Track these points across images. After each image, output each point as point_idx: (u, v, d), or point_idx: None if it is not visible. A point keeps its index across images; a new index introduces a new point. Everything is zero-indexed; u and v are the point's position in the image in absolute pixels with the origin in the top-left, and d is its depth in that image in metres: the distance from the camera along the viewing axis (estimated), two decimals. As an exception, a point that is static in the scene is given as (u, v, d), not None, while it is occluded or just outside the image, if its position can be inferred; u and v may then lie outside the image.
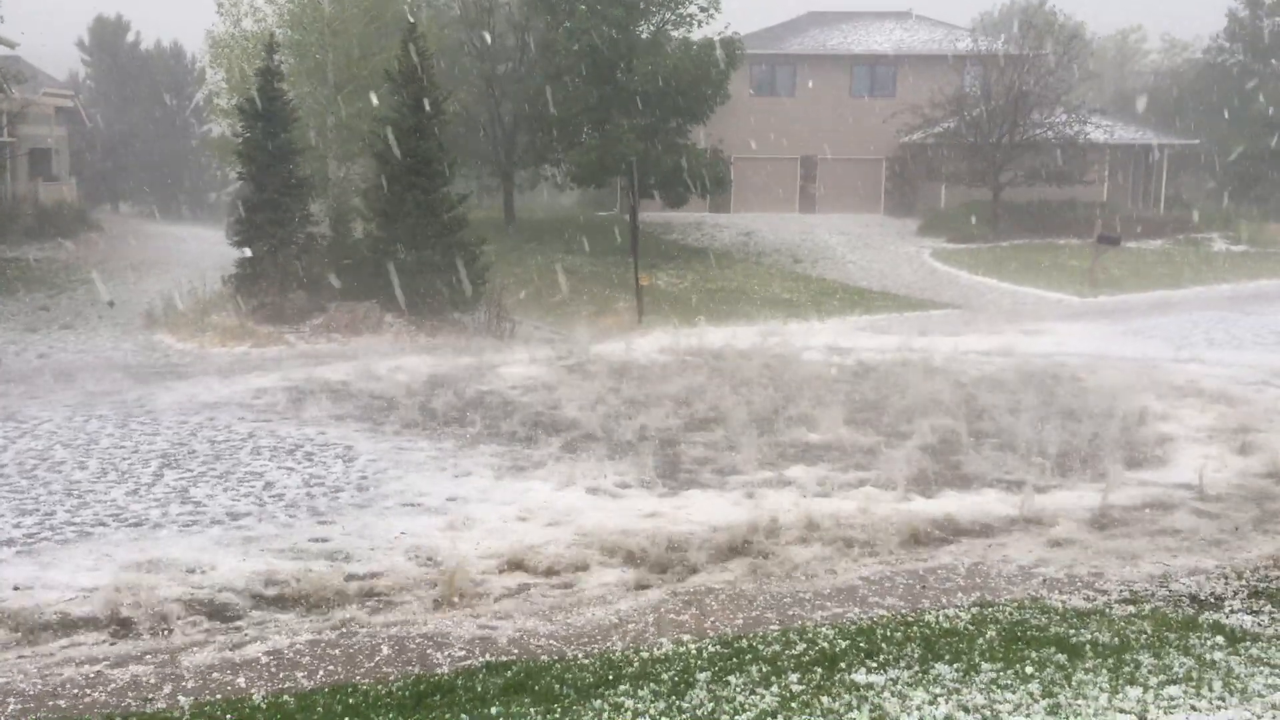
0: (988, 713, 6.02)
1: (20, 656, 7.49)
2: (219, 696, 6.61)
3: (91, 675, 6.98)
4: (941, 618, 7.74)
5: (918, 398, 16.63)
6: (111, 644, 7.73)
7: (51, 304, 26.82)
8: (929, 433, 14.42)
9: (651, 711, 6.21)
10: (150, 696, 6.63)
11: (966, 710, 6.08)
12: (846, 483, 12.09)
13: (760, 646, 7.22)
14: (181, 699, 6.58)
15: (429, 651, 7.30)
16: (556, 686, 6.59)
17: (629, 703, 6.34)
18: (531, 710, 6.25)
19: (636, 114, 34.68)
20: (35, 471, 12.75)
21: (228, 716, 6.26)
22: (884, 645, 7.18)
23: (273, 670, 7.04)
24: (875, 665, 6.83)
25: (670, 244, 38.26)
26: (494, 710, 6.26)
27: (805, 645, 7.21)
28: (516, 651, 7.26)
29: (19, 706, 6.53)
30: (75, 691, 6.72)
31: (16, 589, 8.72)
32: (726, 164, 37.34)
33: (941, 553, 9.71)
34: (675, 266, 34.48)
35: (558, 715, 6.19)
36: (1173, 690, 6.23)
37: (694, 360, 20.53)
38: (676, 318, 26.55)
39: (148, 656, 7.36)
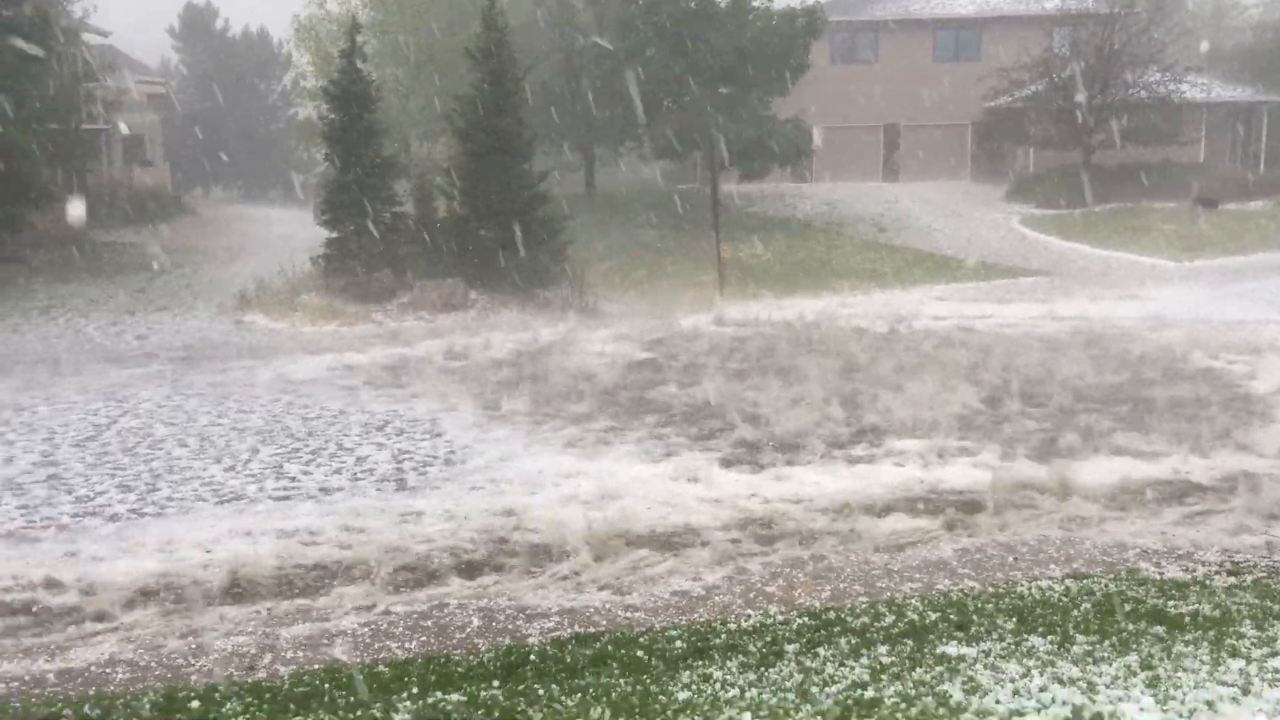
0: (1084, 685, 5.91)
1: (119, 627, 7.75)
2: (317, 666, 6.77)
3: (194, 646, 7.19)
4: (1034, 589, 7.62)
5: (1014, 365, 16.34)
6: (213, 615, 7.96)
7: (148, 287, 27.57)
8: (1037, 400, 14.16)
9: (740, 683, 6.22)
10: (252, 666, 6.82)
11: (1062, 683, 5.97)
12: (957, 451, 11.97)
13: (848, 618, 7.18)
14: (281, 669, 6.76)
15: (519, 623, 7.39)
16: (645, 657, 6.62)
17: (717, 674, 6.35)
18: (620, 680, 6.30)
19: (717, 86, 34.42)
20: (137, 449, 13.15)
21: (326, 685, 6.41)
22: (975, 617, 7.08)
23: (367, 640, 7.18)
24: (966, 638, 6.75)
25: (752, 216, 37.99)
26: (584, 680, 6.32)
27: (894, 617, 7.15)
28: (604, 623, 7.32)
29: (127, 675, 6.76)
30: (180, 662, 6.94)
31: (124, 552, 9.03)
32: (807, 134, 36.90)
33: (1035, 523, 9.54)
34: (757, 238, 34.26)
35: (647, 685, 6.23)
36: (1277, 663, 6.06)
37: (779, 332, 20.41)
38: (759, 290, 26.43)
39: (249, 627, 7.56)
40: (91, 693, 6.47)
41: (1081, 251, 32.23)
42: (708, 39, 34.32)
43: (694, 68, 34.65)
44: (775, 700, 5.99)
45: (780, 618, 7.26)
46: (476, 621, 7.42)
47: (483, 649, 6.93)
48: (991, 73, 41.07)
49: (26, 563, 8.99)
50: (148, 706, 6.19)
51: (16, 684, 6.66)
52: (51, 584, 8.44)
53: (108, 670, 6.82)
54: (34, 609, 8.07)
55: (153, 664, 6.92)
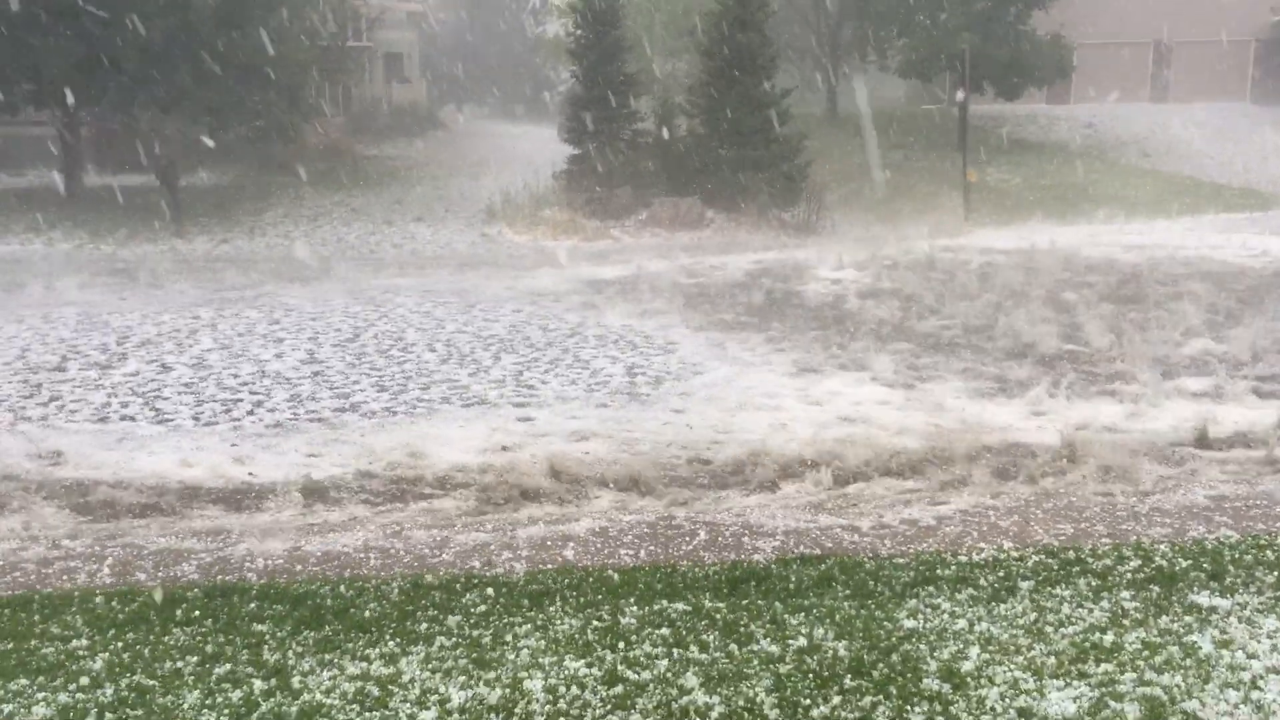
0: (1353, 650, 5.47)
1: (377, 513, 8.29)
2: (549, 566, 7.04)
3: (441, 540, 7.61)
4: (1301, 544, 7.06)
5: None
6: (457, 512, 8.39)
7: (405, 198, 28.95)
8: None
9: (970, 616, 6.07)
10: (491, 561, 7.16)
11: (1327, 644, 5.54)
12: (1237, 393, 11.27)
13: (1089, 559, 6.86)
14: (516, 566, 7.06)
15: (745, 539, 7.44)
16: (871, 583, 6.55)
17: (945, 604, 6.22)
18: (845, 604, 6.26)
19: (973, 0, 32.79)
20: (390, 352, 13.92)
21: (557, 582, 6.67)
22: (1231, 568, 6.64)
23: (598, 546, 7.40)
24: (1220, 588, 6.34)
25: (1002, 138, 36.23)
26: (808, 601, 6.32)
27: (1140, 561, 6.79)
28: (831, 545, 7.27)
29: (379, 561, 7.23)
30: (425, 553, 7.36)
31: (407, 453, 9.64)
32: (1069, 51, 34.72)
33: (1303, 475, 8.82)
34: (1007, 162, 32.69)
35: (872, 610, 6.17)
36: None
37: (1030, 262, 19.49)
38: (1006, 216, 25.29)
39: (489, 525, 7.93)
40: (346, 574, 6.96)
41: (1378, 182, 29.22)
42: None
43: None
44: (1006, 636, 5.82)
45: (1015, 554, 7.01)
46: (703, 534, 7.52)
47: (709, 562, 7.02)
48: (1284, -18, 37.41)
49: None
50: (396, 591, 6.61)
51: (282, 562, 7.23)
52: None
53: (362, 555, 7.31)
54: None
55: (400, 552, 7.37)
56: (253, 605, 6.46)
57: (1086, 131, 37.44)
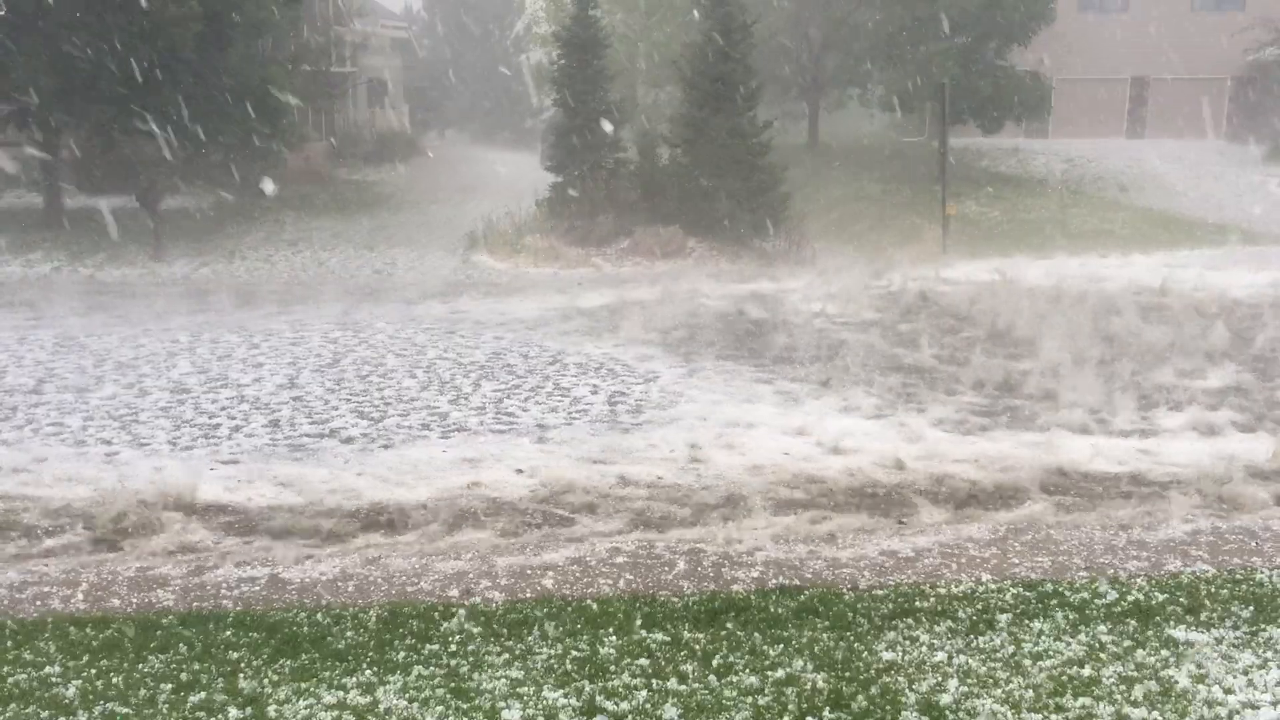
0: (1328, 685, 5.51)
1: (350, 548, 8.24)
2: (529, 595, 7.02)
3: (419, 566, 7.57)
4: (1276, 577, 7.11)
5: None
6: (431, 540, 8.36)
7: (386, 224, 28.94)
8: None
9: (948, 648, 6.08)
10: (469, 589, 7.13)
11: (1302, 679, 5.58)
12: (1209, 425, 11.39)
13: (1067, 592, 6.89)
14: (495, 594, 7.04)
15: (724, 569, 7.44)
16: (850, 615, 6.56)
17: (924, 636, 6.24)
18: (824, 636, 6.27)
19: (953, 35, 33.14)
20: (370, 377, 13.88)
21: (537, 612, 6.64)
22: (1207, 602, 6.68)
23: (576, 575, 7.38)
24: (1196, 623, 6.38)
25: (981, 171, 36.54)
26: (787, 632, 6.32)
27: (1117, 595, 6.82)
28: (810, 576, 7.28)
29: (354, 586, 7.19)
30: (403, 580, 7.32)
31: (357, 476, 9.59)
32: (1047, 87, 35.11)
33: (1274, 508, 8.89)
34: (986, 195, 32.95)
35: (851, 642, 6.17)
36: None
37: (1008, 294, 19.63)
38: (985, 249, 25.48)
39: (465, 555, 7.90)
40: (323, 603, 6.91)
41: (1350, 219, 29.57)
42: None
43: (930, 15, 33.43)
44: (984, 669, 5.84)
45: (993, 586, 7.04)
46: (682, 564, 7.51)
47: (688, 592, 7.01)
48: (1256, 23, 37.97)
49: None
50: (374, 619, 6.58)
51: (259, 589, 7.18)
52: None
53: (339, 583, 7.27)
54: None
55: (377, 579, 7.33)
56: (229, 633, 6.41)
57: (1065, 166, 37.81)
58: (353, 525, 8.65)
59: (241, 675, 5.86)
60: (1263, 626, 6.31)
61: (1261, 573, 7.24)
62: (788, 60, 38.00)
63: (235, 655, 6.10)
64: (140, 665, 6.00)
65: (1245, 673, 5.73)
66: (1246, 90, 41.58)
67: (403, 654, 6.11)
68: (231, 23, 24.40)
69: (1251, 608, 6.60)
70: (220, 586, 7.20)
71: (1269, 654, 5.93)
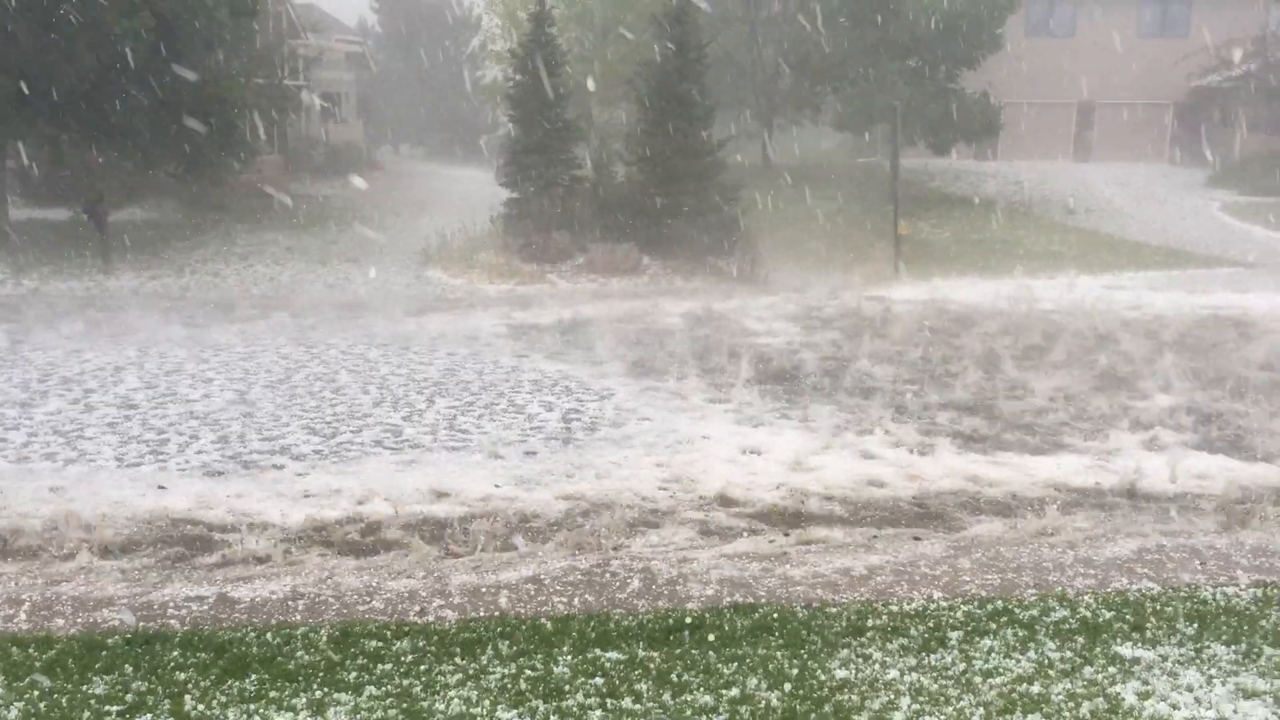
0: (1270, 700, 5.61)
1: (294, 564, 8.15)
2: (482, 614, 6.97)
3: (372, 586, 7.50)
4: (1219, 595, 7.24)
5: (1205, 358, 15.54)
6: (387, 558, 8.29)
7: (339, 238, 28.73)
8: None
9: (900, 666, 6.12)
10: (421, 608, 7.07)
11: (1245, 694, 5.68)
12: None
13: (1016, 610, 6.97)
14: (449, 613, 6.99)
15: (678, 587, 7.44)
16: (804, 633, 6.59)
17: (877, 654, 6.28)
18: (778, 654, 6.28)
19: (905, 58, 33.57)
20: (322, 394, 13.76)
21: (491, 633, 6.60)
22: (1153, 619, 6.78)
23: (531, 593, 7.35)
24: (1143, 640, 6.47)
25: (932, 192, 37.00)
26: (741, 650, 6.33)
27: (1065, 613, 6.91)
28: (764, 594, 7.30)
29: (305, 605, 7.11)
30: (354, 599, 7.25)
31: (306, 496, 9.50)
32: (996, 110, 35.67)
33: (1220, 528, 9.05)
34: (937, 216, 33.36)
35: (805, 660, 6.20)
36: None
37: (958, 313, 19.87)
38: (935, 268, 25.77)
39: (419, 573, 7.84)
40: (273, 623, 6.83)
41: (1290, 243, 30.24)
42: (898, 8, 33.46)
43: (883, 38, 33.85)
44: (936, 687, 5.88)
45: (945, 604, 7.10)
46: (637, 583, 7.50)
47: (643, 610, 7.01)
48: (1199, 50, 38.84)
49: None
50: (324, 640, 6.50)
51: (208, 609, 7.08)
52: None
53: (290, 602, 7.19)
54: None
55: (328, 598, 7.25)
56: (176, 653, 6.31)
57: (1014, 188, 38.37)
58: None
59: (189, 696, 5.77)
60: (1207, 643, 6.41)
61: (1205, 590, 7.36)
62: (743, 80, 38.29)
63: (182, 676, 6.01)
64: (85, 687, 5.90)
65: (1190, 689, 5.82)
66: (1190, 115, 42.48)
67: (354, 674, 6.04)
68: (183, 35, 24.15)
69: (1196, 625, 6.70)
70: (167, 606, 7.09)
71: (1213, 670, 6.03)
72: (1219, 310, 20.34)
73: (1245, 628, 6.65)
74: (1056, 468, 10.81)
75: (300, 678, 5.99)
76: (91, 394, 13.63)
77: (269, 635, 6.57)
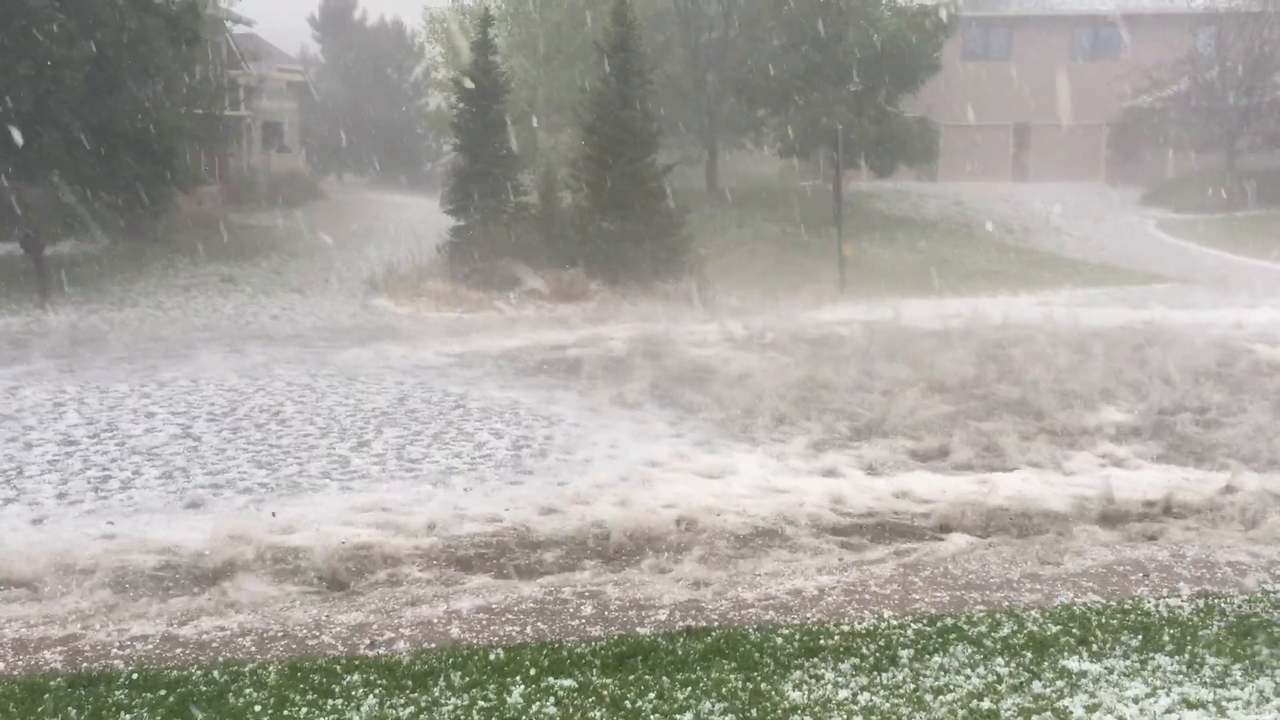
0: (1214, 709, 5.71)
1: (249, 598, 8.05)
2: (434, 645, 6.92)
3: (322, 619, 7.43)
4: (1162, 607, 7.37)
5: (1140, 370, 15.85)
6: (332, 592, 8.21)
7: (283, 269, 28.49)
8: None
9: (853, 685, 6.16)
10: (372, 640, 7.01)
11: (1190, 705, 5.78)
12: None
13: (966, 626, 7.04)
14: (401, 645, 6.93)
15: (630, 613, 7.44)
16: (756, 655, 6.61)
17: (829, 675, 6.31)
18: (732, 677, 6.30)
19: (844, 83, 34.03)
20: (267, 425, 13.61)
21: (445, 664, 6.56)
22: (1098, 633, 6.89)
23: (483, 623, 7.32)
24: (1089, 653, 6.57)
25: (875, 213, 37.46)
26: (695, 674, 6.34)
27: (1013, 628, 7.00)
28: (717, 618, 7.32)
29: (254, 642, 7.02)
30: (303, 634, 7.17)
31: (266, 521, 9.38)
32: (935, 133, 36.24)
33: (1160, 540, 9.23)
34: (880, 237, 33.78)
35: (758, 683, 6.22)
36: None
37: (904, 332, 20.10)
38: (881, 288, 26.07)
39: (368, 606, 7.77)
40: (220, 660, 6.73)
41: (1223, 258, 30.99)
42: (839, 33, 33.92)
43: (823, 63, 34.27)
44: (888, 706, 5.92)
45: (895, 622, 7.16)
46: (589, 609, 7.49)
47: (596, 637, 6.99)
48: (1131, 72, 39.78)
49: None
50: (273, 676, 6.42)
51: (153, 647, 6.96)
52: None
53: (237, 639, 7.09)
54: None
55: (277, 634, 7.17)
56: (120, 694, 6.19)
57: (954, 209, 38.96)
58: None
59: (135, 738, 5.67)
60: (1151, 655, 6.52)
61: (1149, 602, 7.49)
62: (686, 105, 38.58)
63: (128, 717, 5.90)
64: (26, 731, 5.77)
65: (1136, 701, 5.91)
66: (1123, 136, 43.42)
67: (304, 710, 5.97)
68: (122, 65, 23.89)
69: (1140, 636, 6.81)
70: (111, 646, 6.96)
71: (1157, 682, 6.13)
72: (1138, 324, 20.76)
73: (1188, 638, 6.76)
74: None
75: (248, 715, 5.90)
76: (31, 431, 13.38)
77: (215, 673, 6.47)
